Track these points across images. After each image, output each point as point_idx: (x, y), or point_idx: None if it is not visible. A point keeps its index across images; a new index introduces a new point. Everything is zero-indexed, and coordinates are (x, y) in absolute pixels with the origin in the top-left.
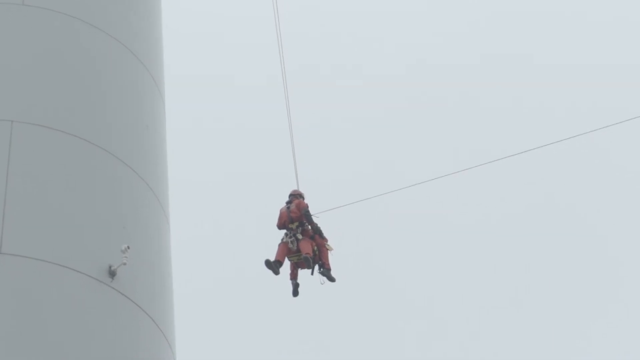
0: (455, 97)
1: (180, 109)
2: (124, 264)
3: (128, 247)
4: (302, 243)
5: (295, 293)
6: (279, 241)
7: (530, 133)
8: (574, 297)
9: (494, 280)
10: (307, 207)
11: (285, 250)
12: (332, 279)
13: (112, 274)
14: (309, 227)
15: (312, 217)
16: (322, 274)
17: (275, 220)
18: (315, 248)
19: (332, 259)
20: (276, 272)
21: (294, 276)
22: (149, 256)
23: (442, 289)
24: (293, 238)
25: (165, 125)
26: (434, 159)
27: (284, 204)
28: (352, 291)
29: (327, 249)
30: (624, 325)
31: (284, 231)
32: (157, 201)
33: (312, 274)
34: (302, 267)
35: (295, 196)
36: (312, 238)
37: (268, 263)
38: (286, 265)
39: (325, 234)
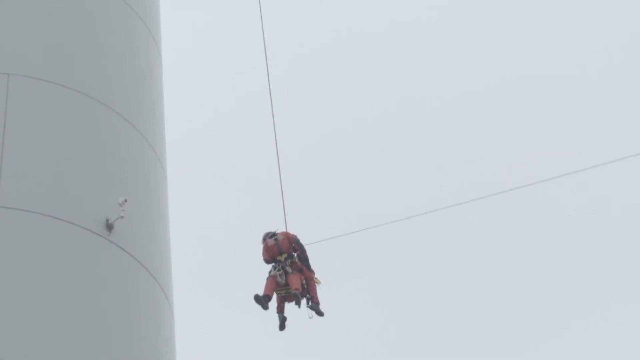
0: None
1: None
2: (122, 217)
3: (125, 200)
4: (291, 277)
5: (282, 327)
6: (267, 274)
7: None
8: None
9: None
10: (297, 236)
11: (274, 284)
12: (320, 313)
13: (109, 227)
14: (297, 259)
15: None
16: (311, 308)
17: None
18: (304, 281)
19: (320, 292)
20: (265, 307)
21: (280, 309)
22: (146, 209)
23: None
24: (282, 271)
25: (162, 76)
26: (426, 192)
27: (267, 239)
28: (341, 325)
29: (315, 282)
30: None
31: (272, 264)
32: (154, 153)
33: (299, 307)
34: (290, 301)
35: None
36: (300, 271)
37: (257, 298)
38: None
39: (313, 266)
